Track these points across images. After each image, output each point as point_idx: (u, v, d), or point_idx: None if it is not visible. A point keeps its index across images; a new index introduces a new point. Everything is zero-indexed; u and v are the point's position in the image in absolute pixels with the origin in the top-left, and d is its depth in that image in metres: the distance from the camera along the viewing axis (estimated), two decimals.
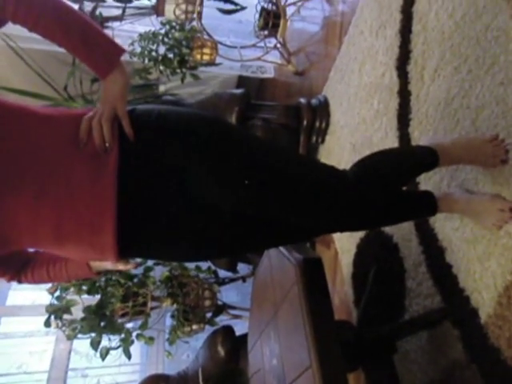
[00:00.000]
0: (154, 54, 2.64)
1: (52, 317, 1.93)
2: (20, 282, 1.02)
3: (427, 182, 1.37)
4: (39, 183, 0.76)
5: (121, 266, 1.00)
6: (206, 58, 2.71)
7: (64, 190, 0.77)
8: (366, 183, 0.94)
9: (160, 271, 2.26)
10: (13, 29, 0.89)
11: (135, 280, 2.08)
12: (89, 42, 0.79)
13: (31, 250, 1.03)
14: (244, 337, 1.74)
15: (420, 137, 1.43)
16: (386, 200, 1.01)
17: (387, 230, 1.59)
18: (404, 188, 1.37)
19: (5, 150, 0.74)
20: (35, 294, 2.57)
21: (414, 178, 1.17)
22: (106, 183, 0.78)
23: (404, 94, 1.55)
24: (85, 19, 0.80)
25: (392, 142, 1.60)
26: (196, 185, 0.83)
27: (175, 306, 2.10)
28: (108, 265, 1.01)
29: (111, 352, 1.96)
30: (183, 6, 2.62)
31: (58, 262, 1.02)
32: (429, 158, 1.07)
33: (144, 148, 0.81)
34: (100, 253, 0.84)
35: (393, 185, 1.04)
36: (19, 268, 1.00)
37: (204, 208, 0.86)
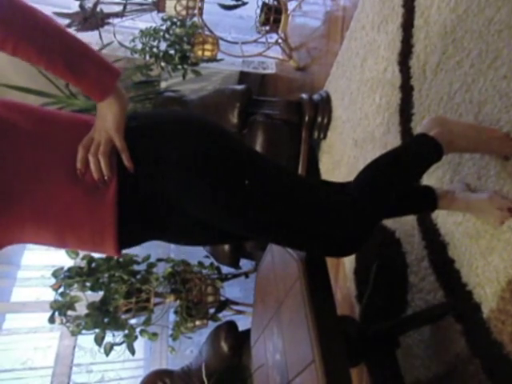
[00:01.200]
0: (155, 50, 2.64)
1: (56, 313, 1.94)
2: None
3: (429, 176, 1.36)
4: (38, 211, 0.76)
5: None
6: (207, 53, 2.71)
7: (64, 218, 0.77)
8: (368, 206, 0.87)
9: (163, 267, 2.27)
10: None
11: (138, 276, 2.09)
12: (76, 69, 0.73)
13: None
14: (247, 332, 1.75)
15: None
16: (388, 202, 1.00)
17: (389, 225, 1.59)
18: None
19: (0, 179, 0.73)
20: (39, 291, 2.58)
21: (420, 177, 1.16)
22: (106, 214, 0.78)
23: (406, 89, 1.54)
24: (72, 41, 0.73)
25: (394, 136, 1.59)
26: (194, 210, 0.82)
27: (178, 301, 2.11)
28: None
29: (115, 348, 1.98)
30: (184, 2, 2.62)
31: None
32: (433, 157, 1.02)
33: (143, 179, 0.79)
34: (101, 252, 0.88)
35: (396, 191, 1.01)
36: None
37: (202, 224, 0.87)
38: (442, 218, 1.30)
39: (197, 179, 0.78)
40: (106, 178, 0.77)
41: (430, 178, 1.36)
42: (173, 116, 0.85)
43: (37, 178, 0.74)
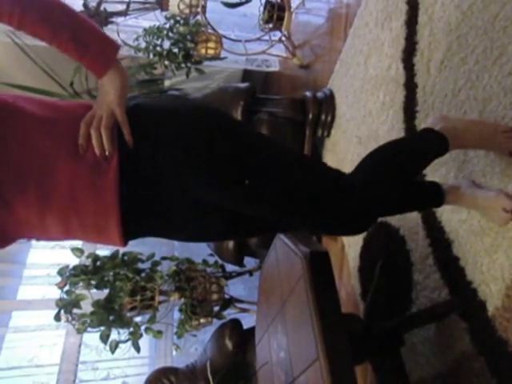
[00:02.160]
0: (158, 48, 2.64)
1: (62, 311, 1.95)
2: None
3: (434, 173, 1.36)
4: (42, 192, 0.77)
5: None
6: (210, 52, 2.71)
7: (67, 198, 0.78)
8: (370, 188, 0.90)
9: (167, 265, 2.27)
10: None
11: (143, 274, 2.10)
12: (80, 42, 0.75)
13: None
14: (251, 330, 1.75)
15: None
16: (391, 193, 1.00)
17: (394, 222, 1.59)
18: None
19: (5, 161, 0.74)
20: (45, 289, 2.60)
21: (424, 168, 1.16)
22: (108, 190, 0.79)
23: (410, 86, 1.53)
24: (74, 15, 0.76)
25: (398, 134, 1.59)
26: (194, 186, 0.83)
27: (183, 299, 2.12)
28: None
29: (120, 345, 1.98)
30: (187, 0, 2.62)
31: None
32: (439, 148, 1.03)
33: (144, 154, 0.80)
34: (106, 242, 0.88)
35: (401, 181, 1.02)
36: None
37: (204, 204, 0.88)
38: (447, 215, 1.29)
39: (196, 157, 0.80)
40: (107, 153, 0.78)
41: (434, 176, 1.36)
42: (173, 97, 0.89)
43: (41, 158, 0.76)
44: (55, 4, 0.74)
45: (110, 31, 2.64)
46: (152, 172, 0.81)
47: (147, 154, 0.80)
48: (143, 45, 2.65)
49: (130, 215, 0.83)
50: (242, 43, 2.80)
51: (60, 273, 2.02)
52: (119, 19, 2.65)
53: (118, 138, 0.80)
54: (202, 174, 0.81)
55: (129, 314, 2.00)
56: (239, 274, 2.47)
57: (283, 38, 2.74)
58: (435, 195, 1.12)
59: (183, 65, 2.68)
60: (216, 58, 2.75)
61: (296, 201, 0.85)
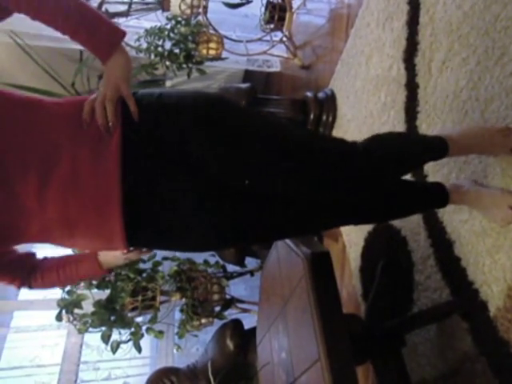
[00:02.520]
0: (160, 49, 2.64)
1: (63, 311, 1.95)
2: (30, 287, 1.03)
3: (435, 174, 1.36)
4: (44, 166, 0.76)
5: (132, 256, 1.02)
6: (211, 52, 2.71)
7: (68, 171, 0.77)
8: (377, 155, 0.96)
9: (168, 266, 2.27)
10: (20, 26, 0.91)
11: (144, 275, 2.10)
12: (88, 26, 0.79)
13: (38, 257, 1.05)
14: (252, 330, 1.75)
15: (428, 129, 1.42)
16: (396, 186, 1.02)
17: (395, 223, 1.59)
18: (411, 178, 1.36)
19: (10, 135, 0.75)
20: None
21: (422, 163, 1.16)
22: (110, 164, 0.78)
23: (412, 87, 1.53)
24: (84, 4, 0.80)
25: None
26: (204, 161, 0.83)
27: (184, 300, 2.12)
28: (119, 259, 1.03)
29: (122, 345, 1.99)
30: (188, 1, 2.62)
31: (68, 264, 1.04)
32: (439, 145, 1.06)
33: (147, 127, 0.80)
34: (108, 240, 0.84)
35: (401, 166, 1.04)
36: (27, 274, 1.00)
37: (212, 186, 0.85)
38: (448, 216, 1.29)
39: (198, 126, 0.81)
40: (110, 124, 0.78)
41: (435, 176, 1.36)
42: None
43: (44, 134, 0.77)
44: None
45: None
46: (154, 147, 0.80)
47: (150, 126, 0.80)
48: (144, 45, 2.65)
49: (131, 201, 0.80)
50: (244, 44, 2.80)
51: None
52: (121, 20, 2.65)
53: (122, 113, 0.80)
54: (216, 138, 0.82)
55: (130, 315, 2.00)
56: (240, 275, 2.47)
57: (284, 39, 2.73)
58: (440, 195, 1.11)
59: (184, 65, 2.68)
60: (217, 58, 2.75)
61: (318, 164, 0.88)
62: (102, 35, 0.80)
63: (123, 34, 0.83)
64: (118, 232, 0.82)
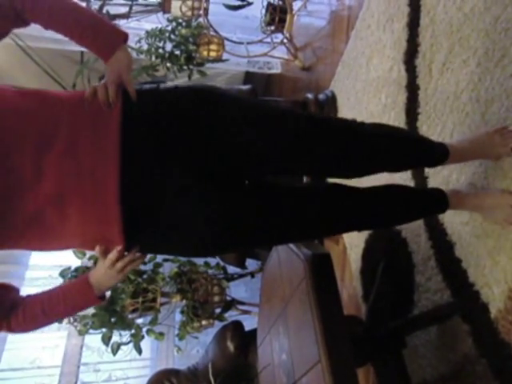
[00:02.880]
0: (160, 51, 2.65)
1: None
2: (10, 329, 0.89)
3: (436, 176, 1.36)
4: (42, 138, 0.78)
5: (127, 266, 0.90)
6: (212, 54, 2.72)
7: (66, 144, 0.78)
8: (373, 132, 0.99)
9: (169, 267, 2.27)
10: (21, 30, 0.95)
11: (145, 276, 2.10)
12: (94, 31, 0.85)
13: (21, 294, 0.93)
14: (253, 332, 1.75)
15: (429, 131, 1.42)
16: (395, 190, 1.02)
17: None
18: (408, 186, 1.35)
19: (12, 109, 0.78)
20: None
21: (419, 162, 1.15)
22: (109, 139, 0.79)
23: (412, 88, 1.53)
24: (89, 11, 0.89)
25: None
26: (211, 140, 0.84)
27: (184, 301, 2.12)
28: (113, 276, 0.91)
29: (122, 347, 1.99)
30: (189, 3, 2.63)
31: (54, 295, 0.92)
32: (440, 145, 1.07)
33: (147, 109, 0.84)
34: (103, 222, 0.81)
35: (395, 157, 1.05)
36: (6, 313, 0.89)
37: (214, 174, 0.87)
38: (449, 217, 1.29)
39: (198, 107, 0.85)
40: (110, 99, 0.82)
41: (436, 178, 1.36)
42: None
43: (46, 108, 0.80)
44: (71, 3, 0.86)
45: None
46: (153, 126, 0.83)
47: (150, 108, 0.84)
48: (145, 47, 2.66)
49: (128, 183, 0.79)
50: (244, 45, 2.81)
51: (62, 274, 2.03)
52: (122, 22, 2.65)
53: (122, 97, 0.84)
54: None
55: (130, 316, 2.00)
56: (241, 276, 2.47)
57: (285, 40, 2.74)
58: (439, 200, 1.10)
59: (185, 67, 2.69)
60: (218, 60, 2.76)
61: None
62: (105, 38, 0.85)
63: (125, 36, 0.87)
64: (114, 213, 0.79)
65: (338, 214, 0.98)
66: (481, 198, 1.11)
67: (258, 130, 0.87)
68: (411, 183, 1.47)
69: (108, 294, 2.02)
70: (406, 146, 1.05)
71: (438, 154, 1.08)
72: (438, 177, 1.35)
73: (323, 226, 0.98)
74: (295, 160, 0.92)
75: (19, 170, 0.76)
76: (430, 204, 1.11)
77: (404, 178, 1.49)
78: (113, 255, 0.87)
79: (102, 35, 0.85)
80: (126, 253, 0.89)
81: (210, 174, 0.87)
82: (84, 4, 2.53)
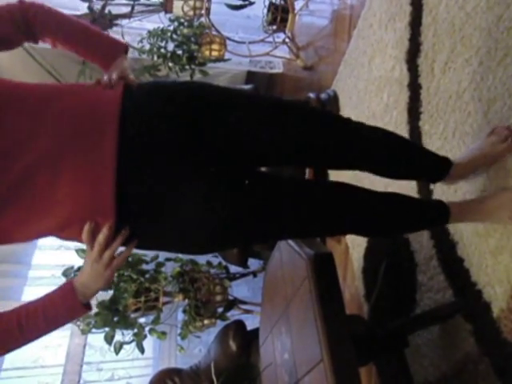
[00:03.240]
0: (162, 50, 2.65)
1: None
2: None
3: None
4: (42, 98, 0.81)
5: (119, 259, 0.84)
6: (214, 53, 2.72)
7: (67, 104, 0.81)
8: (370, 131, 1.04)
9: (171, 267, 2.28)
10: None
11: (147, 276, 2.11)
12: (95, 45, 0.95)
13: None
14: (255, 331, 1.75)
15: (431, 130, 1.42)
16: (394, 199, 1.01)
17: None
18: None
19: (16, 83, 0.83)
20: (50, 290, 2.61)
21: (417, 173, 1.14)
22: (111, 103, 0.81)
23: (414, 88, 1.53)
24: (93, 27, 0.98)
25: (402, 135, 1.58)
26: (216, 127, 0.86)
27: (187, 301, 2.12)
28: (101, 273, 0.84)
29: (125, 346, 1.99)
30: (191, 3, 2.63)
31: (32, 308, 0.84)
32: (442, 158, 1.08)
33: (146, 97, 0.86)
34: (98, 185, 0.77)
35: (396, 166, 1.05)
36: None
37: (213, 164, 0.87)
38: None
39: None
40: (113, 83, 0.87)
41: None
42: None
43: (47, 86, 0.86)
44: (73, 20, 0.95)
45: (114, 33, 2.65)
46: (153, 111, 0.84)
47: (149, 97, 0.86)
48: (147, 47, 2.66)
49: (128, 159, 0.78)
50: (246, 45, 2.81)
51: (65, 274, 2.03)
52: (124, 21, 2.66)
53: (123, 88, 0.87)
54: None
55: (133, 315, 2.01)
56: (243, 276, 2.47)
57: (287, 40, 2.74)
58: (439, 210, 1.06)
59: (187, 66, 2.69)
60: (220, 59, 2.76)
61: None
62: (107, 48, 0.95)
63: (126, 47, 0.98)
64: (109, 167, 0.77)
65: (339, 212, 0.96)
66: (483, 200, 1.09)
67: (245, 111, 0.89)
68: (415, 187, 1.46)
69: (110, 292, 2.03)
70: (409, 157, 1.06)
71: (440, 166, 1.08)
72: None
73: (323, 223, 0.96)
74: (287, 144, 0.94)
75: (16, 127, 0.77)
76: (429, 213, 1.07)
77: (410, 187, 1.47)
78: (102, 236, 0.79)
79: (105, 46, 0.95)
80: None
81: (208, 162, 0.86)
82: (86, 4, 2.54)
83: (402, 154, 1.05)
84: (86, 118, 0.79)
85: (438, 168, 1.09)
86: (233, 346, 1.98)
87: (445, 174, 1.08)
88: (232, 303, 2.27)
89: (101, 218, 0.79)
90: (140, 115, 0.82)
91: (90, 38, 0.94)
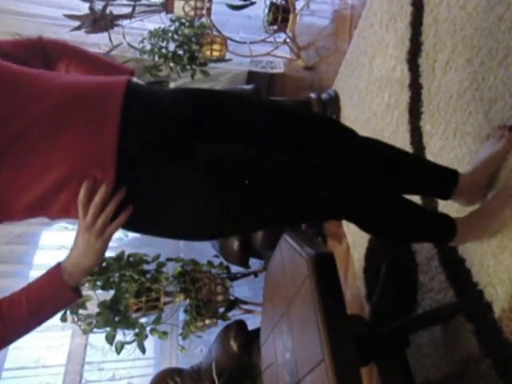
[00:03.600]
0: (163, 50, 2.65)
1: (68, 312, 1.96)
2: None
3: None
4: (48, 64, 0.95)
5: (112, 226, 0.79)
6: (215, 54, 2.72)
7: (72, 76, 0.92)
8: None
9: (172, 267, 2.28)
10: (23, 28, 1.05)
11: (148, 276, 2.11)
12: (106, 67, 1.06)
13: None
14: (256, 331, 1.75)
15: (432, 130, 1.42)
16: (401, 202, 1.01)
17: None
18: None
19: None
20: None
21: (423, 189, 1.14)
22: (117, 79, 0.87)
23: (415, 88, 1.53)
24: (104, 57, 1.09)
25: (403, 135, 1.59)
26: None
27: (188, 300, 2.12)
28: (93, 245, 0.79)
29: (126, 346, 1.99)
30: (192, 3, 2.63)
31: (16, 296, 0.80)
32: (449, 171, 1.08)
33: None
34: (100, 139, 0.76)
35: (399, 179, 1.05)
36: None
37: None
38: (452, 215, 1.29)
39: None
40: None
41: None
42: None
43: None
44: (93, 53, 1.08)
45: (115, 34, 2.66)
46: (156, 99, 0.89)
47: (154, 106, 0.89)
48: (148, 47, 2.66)
49: (131, 120, 0.80)
50: (247, 45, 2.81)
51: None
52: (125, 22, 2.66)
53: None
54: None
55: (134, 315, 2.01)
56: (244, 276, 2.47)
57: (288, 40, 2.74)
58: (445, 223, 1.06)
59: (188, 67, 2.69)
60: (221, 59, 2.76)
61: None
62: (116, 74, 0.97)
63: (132, 71, 1.04)
64: (113, 121, 0.77)
65: (354, 200, 0.95)
66: (489, 204, 1.08)
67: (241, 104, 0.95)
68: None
69: (112, 292, 2.03)
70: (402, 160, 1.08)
71: (447, 179, 1.08)
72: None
73: (336, 201, 0.94)
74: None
75: (24, 82, 0.80)
76: (434, 223, 1.06)
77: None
78: (98, 196, 0.75)
79: (116, 69, 1.02)
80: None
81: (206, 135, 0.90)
82: (87, 4, 2.54)
83: (402, 163, 1.06)
84: (92, 84, 0.85)
85: (443, 179, 1.08)
86: (234, 345, 1.98)
87: (453, 186, 1.07)
88: (233, 303, 2.27)
89: (100, 172, 0.76)
90: (147, 92, 0.89)
91: (103, 60, 1.04)
